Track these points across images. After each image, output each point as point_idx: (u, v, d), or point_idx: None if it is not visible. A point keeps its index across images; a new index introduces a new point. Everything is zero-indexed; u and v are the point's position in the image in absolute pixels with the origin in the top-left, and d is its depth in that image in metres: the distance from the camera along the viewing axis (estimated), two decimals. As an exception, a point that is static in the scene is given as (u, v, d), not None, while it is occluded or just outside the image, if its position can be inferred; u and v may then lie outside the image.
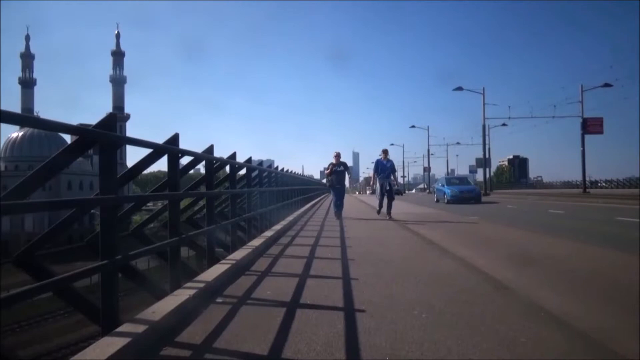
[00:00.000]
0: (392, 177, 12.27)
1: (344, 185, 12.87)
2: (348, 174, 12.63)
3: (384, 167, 12.07)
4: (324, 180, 17.36)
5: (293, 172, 19.62)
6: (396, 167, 13.52)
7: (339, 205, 12.49)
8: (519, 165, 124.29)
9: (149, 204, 14.54)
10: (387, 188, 11.99)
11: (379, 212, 12.48)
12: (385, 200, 12.10)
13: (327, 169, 12.68)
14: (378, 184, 12.26)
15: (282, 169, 14.43)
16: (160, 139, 3.83)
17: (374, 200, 14.37)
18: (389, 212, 11.90)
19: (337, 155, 12.36)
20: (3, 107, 2.08)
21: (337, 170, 12.30)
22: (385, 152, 12.32)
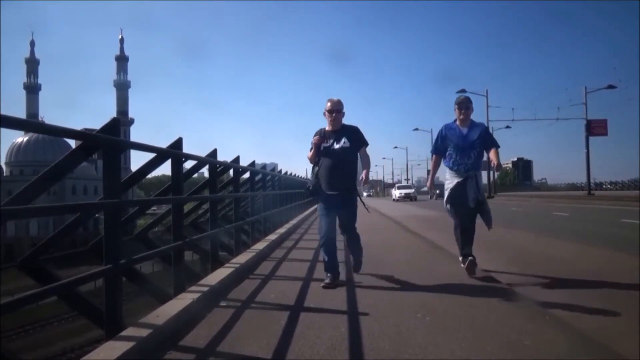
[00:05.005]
0: (491, 162, 4.84)
1: (353, 188, 4.53)
2: (363, 157, 4.57)
3: (463, 142, 4.71)
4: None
5: (297, 175, 19.64)
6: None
7: (355, 255, 4.84)
8: (523, 167, 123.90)
9: (153, 208, 14.59)
10: (475, 196, 4.58)
11: (464, 258, 4.69)
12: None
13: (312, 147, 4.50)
14: (448, 184, 4.81)
15: (286, 172, 14.45)
16: (163, 141, 3.86)
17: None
18: (468, 263, 4.57)
19: (332, 110, 4.43)
20: (8, 112, 2.10)
21: (333, 151, 4.40)
22: (463, 104, 4.77)
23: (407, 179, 65.80)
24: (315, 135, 4.50)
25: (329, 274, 4.26)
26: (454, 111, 4.87)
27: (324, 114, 4.50)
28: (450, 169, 4.80)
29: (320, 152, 4.45)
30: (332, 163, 4.38)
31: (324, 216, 4.47)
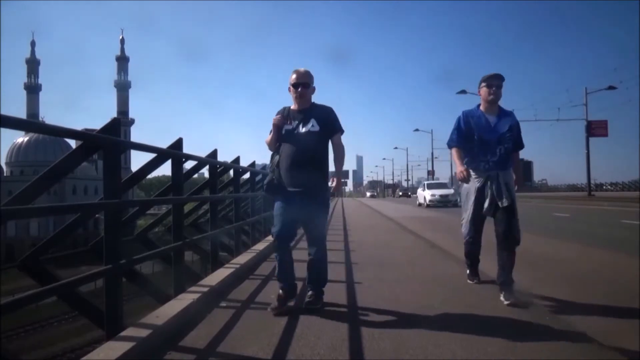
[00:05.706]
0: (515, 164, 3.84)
1: (322, 185, 3.49)
2: (336, 148, 3.50)
3: (489, 135, 3.68)
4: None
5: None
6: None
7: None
8: (523, 168, 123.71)
9: (153, 208, 14.59)
10: (492, 201, 3.63)
11: (471, 274, 4.20)
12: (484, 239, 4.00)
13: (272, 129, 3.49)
14: (469, 182, 3.80)
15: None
16: (163, 141, 3.86)
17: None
18: (505, 284, 3.52)
19: (297, 84, 3.41)
20: (8, 112, 2.10)
21: (297, 135, 3.41)
22: (494, 80, 3.66)
23: (408, 180, 65.11)
24: (277, 115, 3.49)
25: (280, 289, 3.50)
26: (479, 92, 3.78)
27: (289, 89, 3.48)
28: (475, 165, 3.76)
29: (281, 137, 3.46)
30: (294, 151, 3.36)
31: (279, 215, 3.57)
